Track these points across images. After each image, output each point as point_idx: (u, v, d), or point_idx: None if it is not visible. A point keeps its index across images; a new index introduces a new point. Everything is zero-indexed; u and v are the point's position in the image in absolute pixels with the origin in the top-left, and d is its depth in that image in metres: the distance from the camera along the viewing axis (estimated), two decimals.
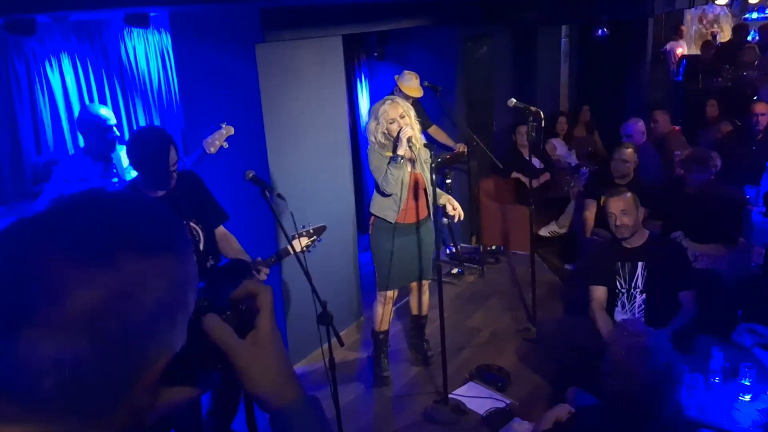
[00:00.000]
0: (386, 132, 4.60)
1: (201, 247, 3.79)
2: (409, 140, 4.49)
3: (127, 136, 5.85)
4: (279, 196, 3.68)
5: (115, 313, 0.71)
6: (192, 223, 3.77)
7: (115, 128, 4.64)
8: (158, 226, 0.79)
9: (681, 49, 11.51)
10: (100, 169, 4.56)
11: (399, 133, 4.51)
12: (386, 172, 4.59)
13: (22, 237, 0.73)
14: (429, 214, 4.91)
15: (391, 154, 4.63)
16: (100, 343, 0.70)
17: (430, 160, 4.48)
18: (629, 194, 4.39)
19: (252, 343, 0.94)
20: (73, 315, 0.69)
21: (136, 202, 0.81)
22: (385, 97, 4.78)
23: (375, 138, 4.65)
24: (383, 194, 4.73)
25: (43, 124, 5.25)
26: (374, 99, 7.26)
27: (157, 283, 0.75)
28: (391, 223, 4.78)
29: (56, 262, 0.70)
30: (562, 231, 7.27)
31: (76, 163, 4.59)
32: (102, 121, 4.57)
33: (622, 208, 4.31)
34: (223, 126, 4.39)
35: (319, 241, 4.14)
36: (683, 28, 11.60)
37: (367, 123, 4.78)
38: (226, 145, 4.40)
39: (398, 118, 4.57)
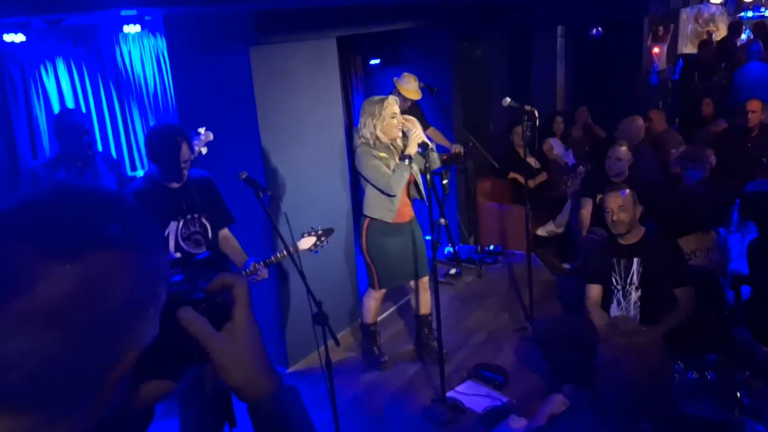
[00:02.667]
0: (384, 128, 4.61)
1: (206, 241, 3.94)
2: (421, 145, 4.54)
3: (123, 140, 5.88)
4: (272, 197, 3.70)
5: (83, 306, 0.71)
6: (203, 219, 3.94)
7: (91, 133, 4.68)
8: (128, 221, 0.79)
9: (657, 49, 11.54)
10: (75, 174, 4.58)
11: (410, 133, 4.58)
12: (397, 173, 4.62)
13: None
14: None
15: (384, 154, 4.66)
16: (67, 336, 0.71)
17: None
18: (628, 190, 4.39)
19: (228, 335, 0.95)
20: (40, 308, 0.69)
21: (106, 197, 0.80)
22: (377, 96, 4.79)
23: (371, 135, 4.65)
24: (383, 195, 4.74)
25: (38, 129, 5.27)
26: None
27: (125, 277, 0.75)
28: (388, 223, 4.81)
29: (23, 256, 0.70)
30: (560, 230, 7.27)
31: (50, 166, 4.60)
32: (78, 125, 4.60)
33: (620, 204, 4.32)
34: (202, 131, 4.41)
35: (326, 242, 4.22)
36: (660, 28, 11.62)
37: (359, 123, 4.77)
38: (205, 150, 4.43)
39: (398, 114, 4.63)
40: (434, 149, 4.65)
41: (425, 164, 4.47)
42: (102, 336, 0.74)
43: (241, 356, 0.96)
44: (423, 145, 4.51)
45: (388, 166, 4.70)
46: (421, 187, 4.91)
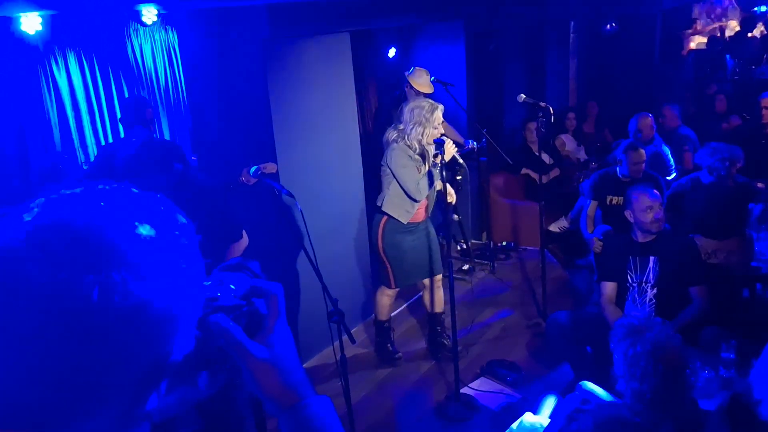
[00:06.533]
0: (429, 135, 4.63)
1: None
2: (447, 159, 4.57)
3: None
4: (289, 194, 3.67)
5: (120, 314, 0.69)
6: None
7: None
8: (161, 225, 0.76)
9: (693, 43, 11.47)
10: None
11: (444, 145, 4.54)
12: (425, 181, 4.65)
13: (13, 245, 0.70)
14: (429, 213, 5.04)
15: (418, 157, 4.71)
16: (105, 344, 0.69)
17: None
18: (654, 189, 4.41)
19: (261, 344, 0.93)
20: (70, 318, 0.67)
21: (138, 200, 0.77)
22: (423, 100, 4.79)
23: (412, 140, 4.67)
24: (406, 196, 4.74)
25: (49, 124, 5.25)
26: (384, 96, 7.24)
27: (161, 283, 0.72)
28: (403, 222, 4.80)
29: (60, 264, 0.68)
30: (573, 226, 7.23)
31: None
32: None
33: (659, 203, 4.32)
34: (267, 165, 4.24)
35: None
36: (699, 22, 11.53)
37: (401, 122, 4.76)
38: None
39: (440, 125, 4.68)
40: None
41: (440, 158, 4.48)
42: (138, 344, 0.72)
43: (274, 366, 0.93)
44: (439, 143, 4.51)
45: (419, 169, 4.72)
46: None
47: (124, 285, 0.69)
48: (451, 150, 4.61)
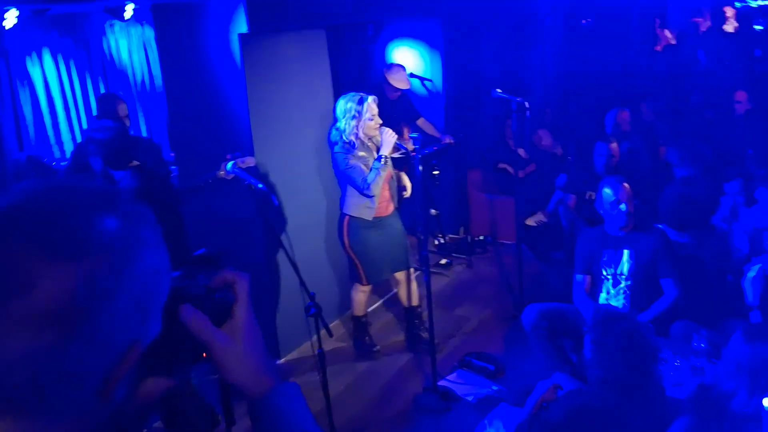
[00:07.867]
0: (364, 128, 4.61)
1: None
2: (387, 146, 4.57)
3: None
4: (265, 189, 3.67)
5: (84, 305, 0.71)
6: None
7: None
8: (127, 217, 0.78)
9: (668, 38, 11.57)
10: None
11: (383, 134, 4.56)
12: (372, 174, 4.61)
13: None
14: (396, 205, 5.02)
15: (363, 153, 4.66)
16: (69, 335, 0.70)
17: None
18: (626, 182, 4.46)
19: (229, 333, 0.95)
20: (40, 308, 0.68)
21: (104, 193, 0.79)
22: (353, 94, 4.70)
23: (349, 136, 4.63)
24: (362, 195, 4.73)
25: (24, 120, 5.21)
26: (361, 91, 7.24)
27: (126, 273, 0.74)
28: (368, 219, 4.81)
29: (22, 255, 0.69)
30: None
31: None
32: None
33: (632, 196, 4.37)
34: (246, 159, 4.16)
35: None
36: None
37: (337, 123, 4.71)
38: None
39: (376, 115, 4.62)
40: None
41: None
42: (104, 334, 0.73)
43: (242, 354, 0.95)
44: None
45: (368, 165, 4.69)
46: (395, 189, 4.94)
47: (87, 274, 0.71)
48: (390, 138, 4.60)
